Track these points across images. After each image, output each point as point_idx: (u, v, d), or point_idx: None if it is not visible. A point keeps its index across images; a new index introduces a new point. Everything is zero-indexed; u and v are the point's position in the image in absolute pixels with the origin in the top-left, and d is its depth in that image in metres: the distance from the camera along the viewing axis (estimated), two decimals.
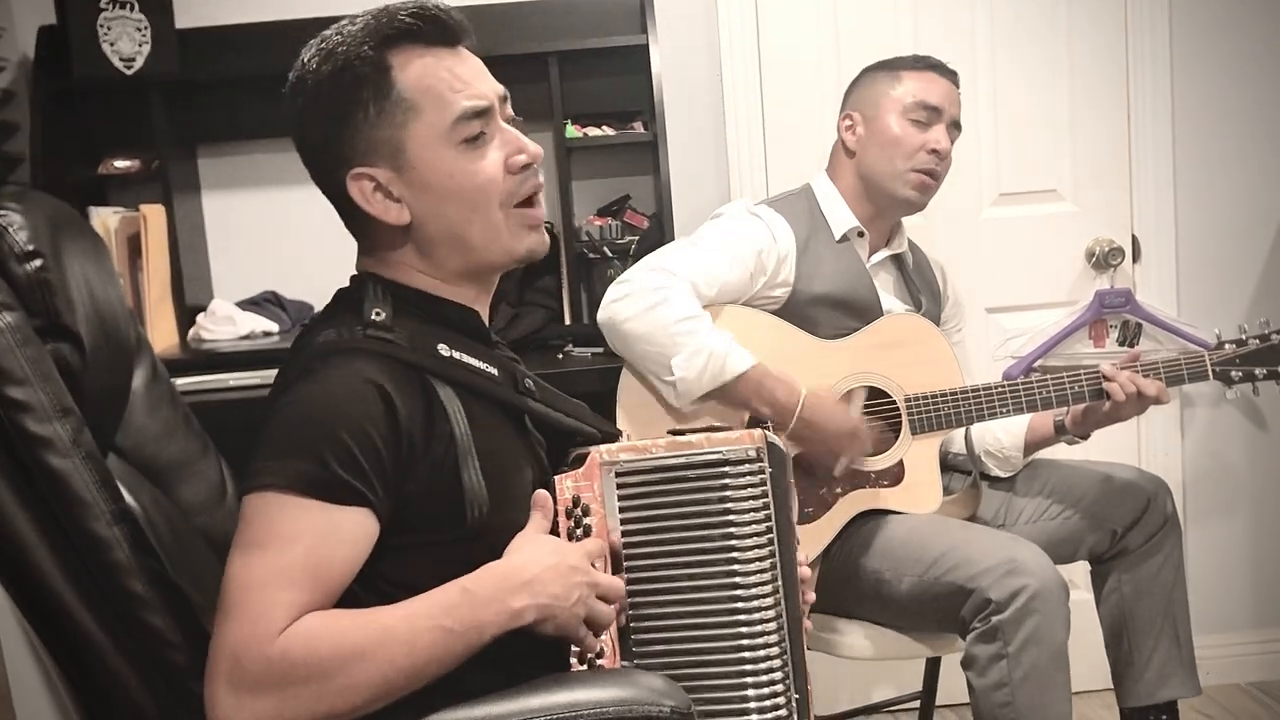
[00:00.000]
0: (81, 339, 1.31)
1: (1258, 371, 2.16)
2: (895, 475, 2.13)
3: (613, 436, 1.44)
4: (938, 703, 2.50)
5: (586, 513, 1.34)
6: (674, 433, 1.39)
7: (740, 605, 1.31)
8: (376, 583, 1.23)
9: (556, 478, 1.35)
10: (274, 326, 2.72)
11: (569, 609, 1.24)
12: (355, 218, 1.35)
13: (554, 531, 1.33)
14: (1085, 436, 2.24)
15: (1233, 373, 2.17)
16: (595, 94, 2.80)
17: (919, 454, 2.13)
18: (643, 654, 1.34)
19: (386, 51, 1.30)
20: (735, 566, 1.31)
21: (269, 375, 2.43)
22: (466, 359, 1.32)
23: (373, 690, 1.15)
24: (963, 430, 2.27)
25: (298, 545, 1.16)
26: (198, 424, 1.61)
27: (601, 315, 2.06)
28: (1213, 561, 3.01)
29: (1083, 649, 2.20)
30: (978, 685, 1.94)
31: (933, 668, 2.44)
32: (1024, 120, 2.89)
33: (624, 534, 1.34)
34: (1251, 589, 3.05)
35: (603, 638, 1.31)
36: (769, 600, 1.32)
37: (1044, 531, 2.21)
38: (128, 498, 1.40)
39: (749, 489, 1.33)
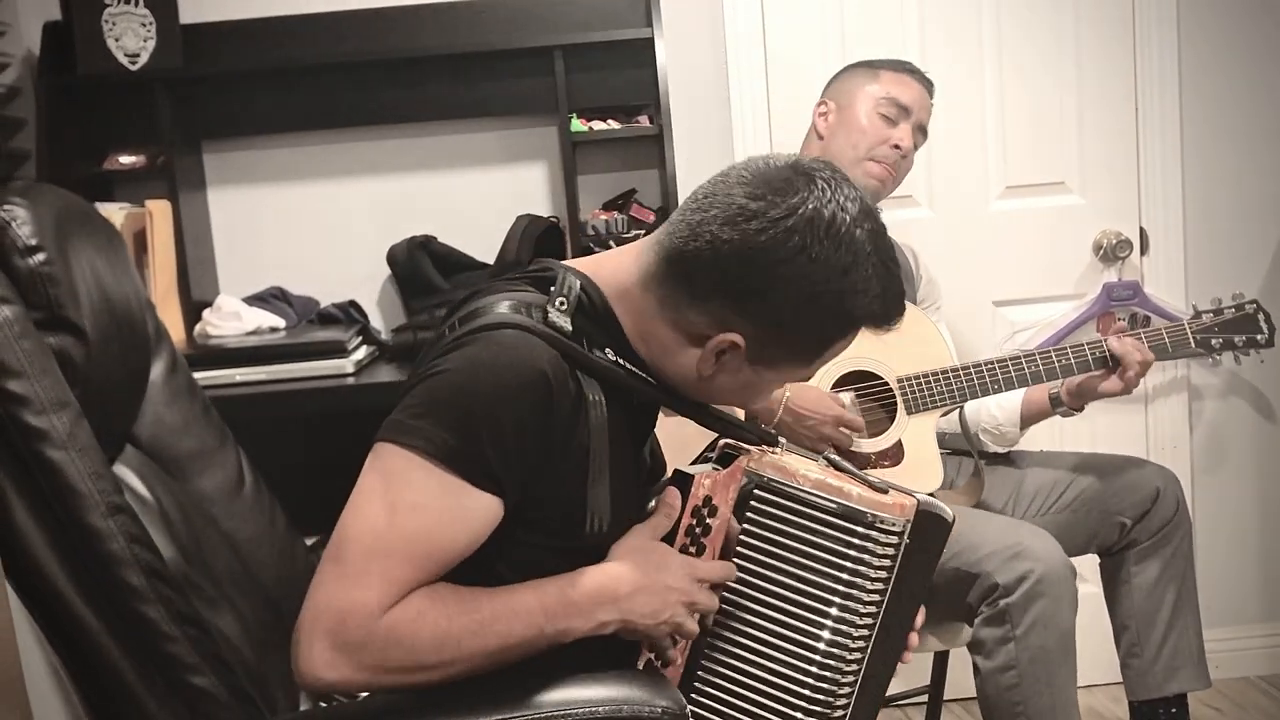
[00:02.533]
0: (85, 331, 1.32)
1: (1237, 339, 2.20)
2: (895, 455, 2.15)
3: (772, 439, 1.41)
4: (946, 697, 2.49)
5: (713, 513, 1.31)
6: (833, 463, 1.34)
7: (816, 660, 1.28)
8: (484, 575, 1.23)
9: (697, 475, 1.32)
10: (280, 322, 2.72)
11: (654, 626, 1.26)
12: (667, 315, 1.29)
13: (675, 525, 1.32)
14: (1079, 409, 2.26)
15: (1213, 340, 2.19)
16: (601, 88, 2.80)
17: (916, 433, 2.15)
18: (708, 670, 1.32)
19: (860, 327, 1.31)
20: (828, 623, 1.28)
21: (276, 371, 2.48)
22: (629, 365, 1.31)
23: (462, 671, 1.19)
24: (956, 413, 2.28)
25: (429, 519, 1.17)
26: (217, 415, 1.61)
27: None
28: (1221, 554, 3.00)
29: (1092, 642, 2.20)
30: (984, 668, 1.94)
31: (940, 662, 2.44)
32: (1031, 112, 2.88)
33: (739, 545, 1.32)
34: (1261, 582, 3.04)
35: (679, 642, 1.32)
36: (851, 666, 1.29)
37: (1052, 523, 2.20)
38: (142, 488, 1.41)
39: (876, 558, 1.27)
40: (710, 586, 1.30)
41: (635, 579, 1.25)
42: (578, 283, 1.30)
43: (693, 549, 1.32)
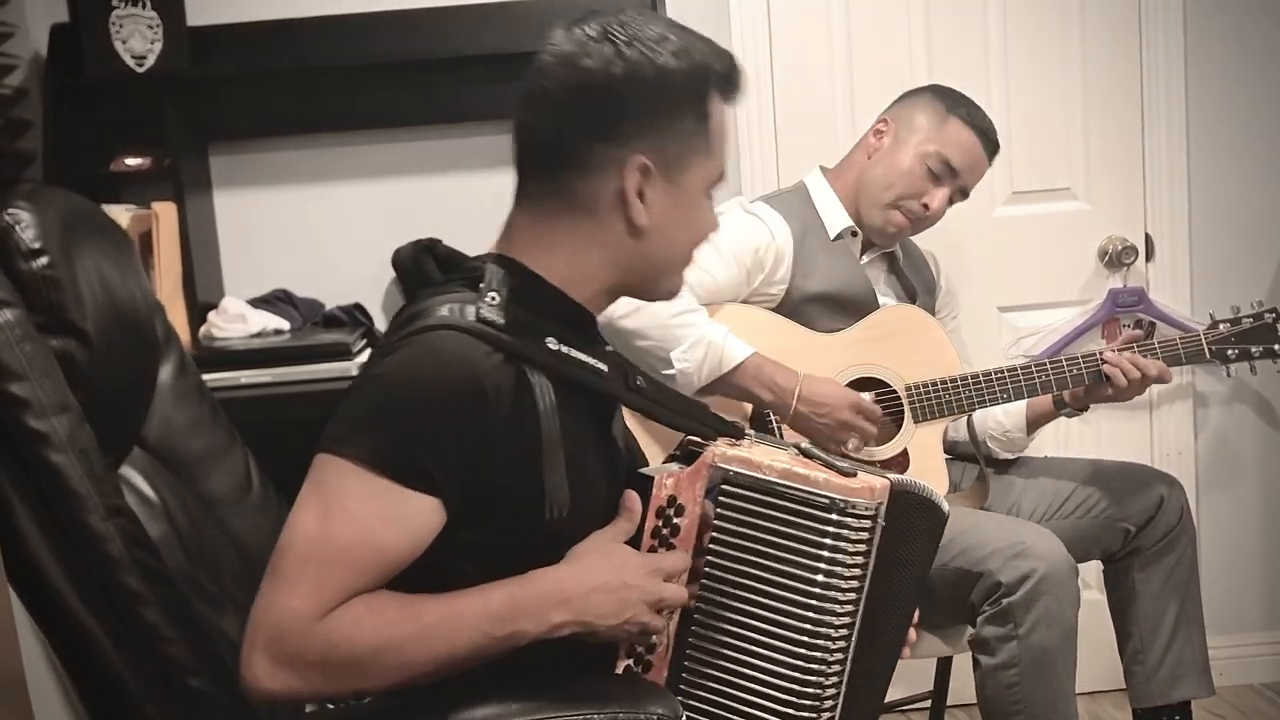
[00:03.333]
0: (88, 334, 1.32)
1: (1253, 350, 2.16)
2: (901, 464, 2.14)
3: (737, 431, 1.40)
4: (949, 703, 2.49)
5: (680, 513, 1.30)
6: (802, 450, 1.34)
7: (802, 652, 1.28)
8: (447, 575, 1.23)
9: (658, 476, 1.31)
10: (285, 324, 2.72)
11: (616, 625, 1.24)
12: (576, 211, 1.32)
13: (639, 529, 1.30)
14: (1084, 410, 2.25)
15: (1229, 351, 2.16)
16: None
17: (923, 442, 2.15)
18: (694, 661, 1.32)
19: (716, 89, 1.35)
20: (810, 614, 1.27)
21: (281, 373, 2.48)
22: (575, 354, 1.30)
23: (404, 678, 1.18)
24: (964, 419, 2.28)
25: (361, 524, 1.17)
26: (225, 417, 1.62)
27: (600, 315, 2.07)
28: (1226, 561, 2.99)
29: (1095, 648, 2.19)
30: (986, 664, 1.95)
31: (944, 667, 2.44)
32: (1037, 118, 2.88)
33: (711, 540, 1.31)
34: (1265, 589, 3.04)
35: (660, 639, 1.30)
36: (836, 655, 1.29)
37: (1056, 530, 2.19)
38: (148, 490, 1.43)
39: (850, 543, 1.27)
40: (685, 582, 1.29)
41: (590, 579, 1.23)
42: (502, 272, 1.31)
43: (662, 551, 1.31)
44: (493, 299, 1.27)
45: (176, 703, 1.27)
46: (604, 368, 1.34)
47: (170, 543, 1.42)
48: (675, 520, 1.31)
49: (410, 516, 1.19)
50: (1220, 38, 2.87)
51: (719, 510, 1.31)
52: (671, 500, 1.31)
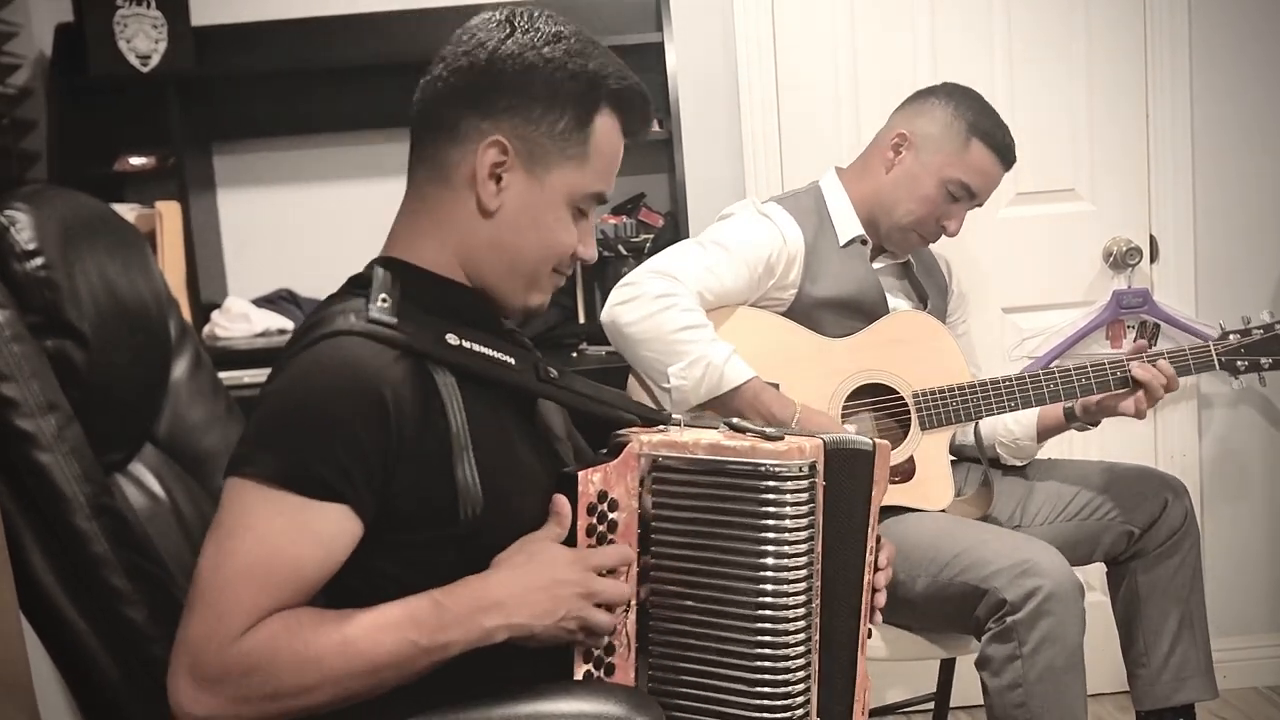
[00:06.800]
0: (85, 334, 1.32)
1: (1263, 361, 2.16)
2: (906, 471, 2.12)
3: (662, 420, 1.38)
4: (952, 704, 2.48)
5: (614, 507, 1.29)
6: (732, 425, 1.33)
7: (766, 625, 1.27)
8: (375, 579, 1.22)
9: (582, 473, 1.27)
10: (289, 324, 2.73)
11: (553, 624, 1.22)
12: (439, 180, 1.32)
13: (572, 530, 1.27)
14: (1095, 424, 2.24)
15: (1238, 362, 2.16)
16: None
17: (929, 450, 2.13)
18: (659, 656, 1.31)
19: (605, 101, 1.34)
20: (765, 586, 1.27)
21: None
22: (478, 347, 1.29)
23: (329, 697, 1.16)
24: (972, 425, 2.27)
25: (269, 541, 1.16)
26: (241, 414, 1.62)
27: (605, 316, 2.06)
28: (1230, 563, 2.99)
29: (1099, 651, 2.18)
30: (992, 686, 1.93)
31: (947, 669, 2.43)
32: (1042, 119, 2.87)
33: (654, 530, 1.30)
34: (1269, 591, 3.03)
35: (619, 640, 1.28)
36: (801, 622, 1.28)
37: (1060, 532, 2.19)
38: (156, 487, 1.43)
39: (790, 506, 1.26)
40: (631, 575, 1.28)
41: (520, 580, 1.21)
42: (389, 274, 1.30)
43: (601, 548, 1.29)
44: (384, 300, 1.26)
45: (162, 702, 1.26)
46: (510, 360, 1.32)
47: (178, 539, 1.42)
48: (611, 515, 1.29)
49: (318, 528, 1.17)
50: (1225, 39, 2.87)
51: (656, 499, 1.30)
52: (603, 495, 1.28)
